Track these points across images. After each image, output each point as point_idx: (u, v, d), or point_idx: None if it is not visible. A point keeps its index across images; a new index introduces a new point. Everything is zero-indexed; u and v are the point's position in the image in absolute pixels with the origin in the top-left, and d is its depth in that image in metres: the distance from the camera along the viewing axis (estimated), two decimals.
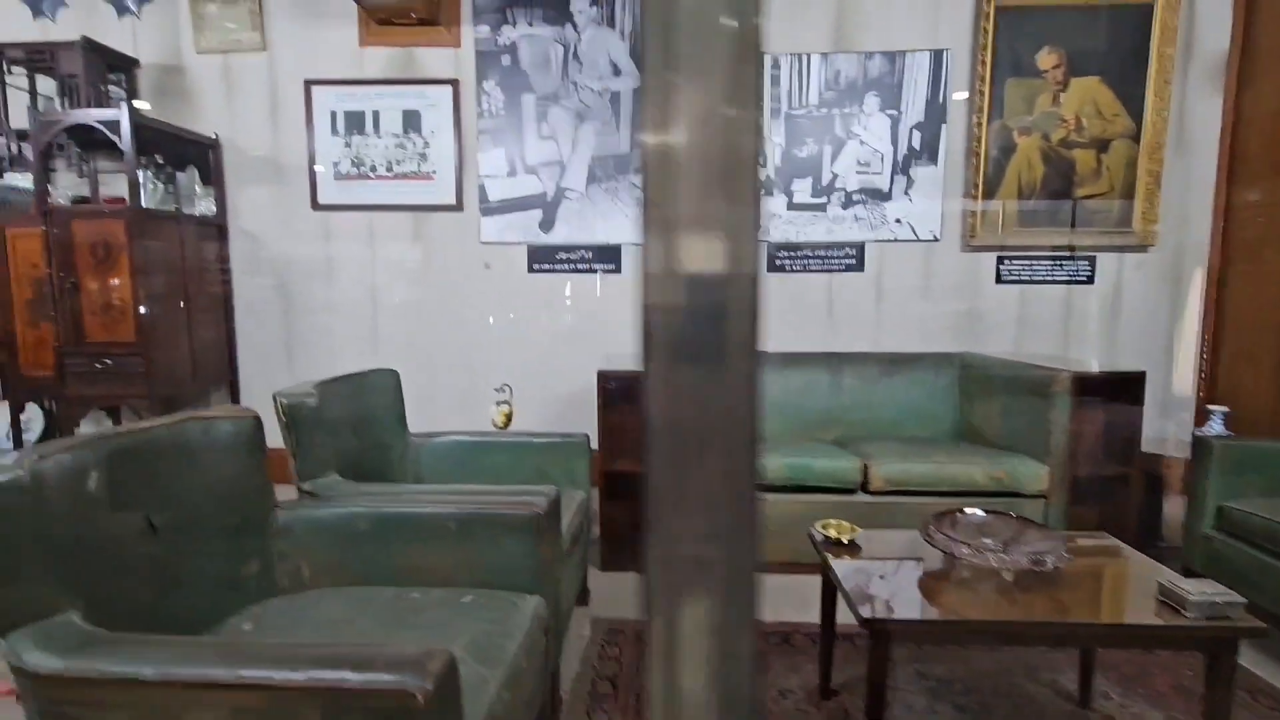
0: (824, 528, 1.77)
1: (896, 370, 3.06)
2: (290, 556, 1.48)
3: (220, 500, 1.36)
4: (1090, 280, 3.27)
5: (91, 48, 3.05)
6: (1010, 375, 2.78)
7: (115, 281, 2.87)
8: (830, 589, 1.75)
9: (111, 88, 3.20)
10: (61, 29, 3.31)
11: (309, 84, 3.32)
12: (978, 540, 1.58)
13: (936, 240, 3.26)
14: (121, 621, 1.04)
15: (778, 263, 3.31)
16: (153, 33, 3.35)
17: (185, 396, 3.24)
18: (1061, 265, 3.26)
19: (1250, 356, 3.00)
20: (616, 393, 2.56)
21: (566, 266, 3.37)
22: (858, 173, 3.23)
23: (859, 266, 3.29)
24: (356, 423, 2.00)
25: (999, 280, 3.29)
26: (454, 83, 3.29)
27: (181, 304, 3.14)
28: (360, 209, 3.40)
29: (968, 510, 1.72)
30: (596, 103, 3.27)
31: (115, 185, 3.23)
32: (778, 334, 3.27)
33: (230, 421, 1.39)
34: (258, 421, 1.43)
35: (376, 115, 3.33)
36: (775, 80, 3.20)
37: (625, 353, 3.21)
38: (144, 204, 2.95)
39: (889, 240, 3.27)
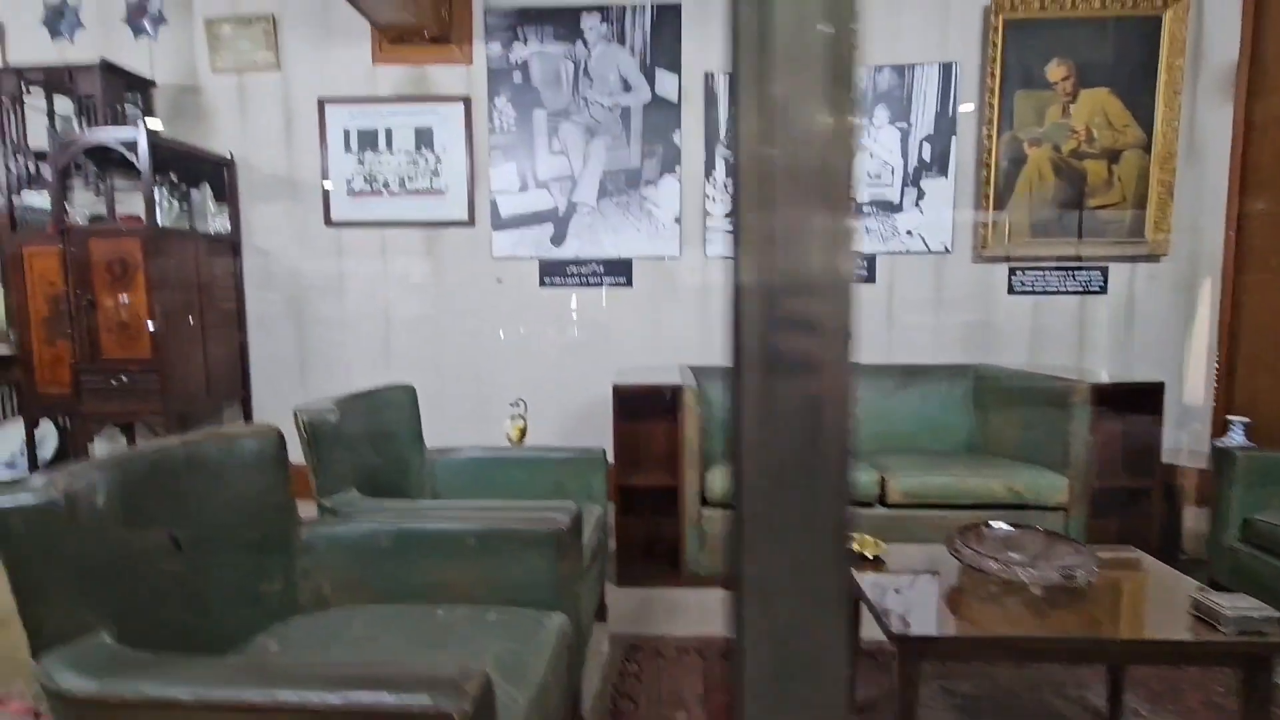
0: None
1: (910, 382, 3.05)
2: (312, 574, 1.46)
3: (244, 517, 1.35)
4: (1103, 290, 3.26)
5: (109, 69, 3.10)
6: (1026, 386, 2.76)
7: (131, 299, 2.89)
8: (854, 604, 1.73)
9: (128, 108, 3.24)
10: (79, 51, 3.36)
11: (322, 102, 3.36)
12: (1005, 555, 1.56)
13: (948, 252, 3.26)
14: (149, 640, 1.03)
15: None
16: (169, 53, 3.39)
17: (199, 412, 3.24)
18: (1074, 276, 3.25)
19: (1269, 366, 2.98)
20: (631, 407, 2.55)
21: (577, 280, 3.37)
22: (868, 185, 3.24)
23: (870, 278, 3.29)
24: (374, 438, 1.99)
25: (1011, 291, 3.28)
26: (466, 100, 3.31)
27: (196, 321, 3.15)
28: (373, 225, 3.42)
29: (993, 524, 1.70)
30: (607, 118, 3.29)
31: (131, 204, 3.26)
32: None
33: (254, 438, 1.39)
34: (281, 438, 1.43)
35: (389, 132, 3.36)
36: None
37: (637, 365, 3.20)
38: (160, 222, 2.97)
39: (900, 252, 3.27)
